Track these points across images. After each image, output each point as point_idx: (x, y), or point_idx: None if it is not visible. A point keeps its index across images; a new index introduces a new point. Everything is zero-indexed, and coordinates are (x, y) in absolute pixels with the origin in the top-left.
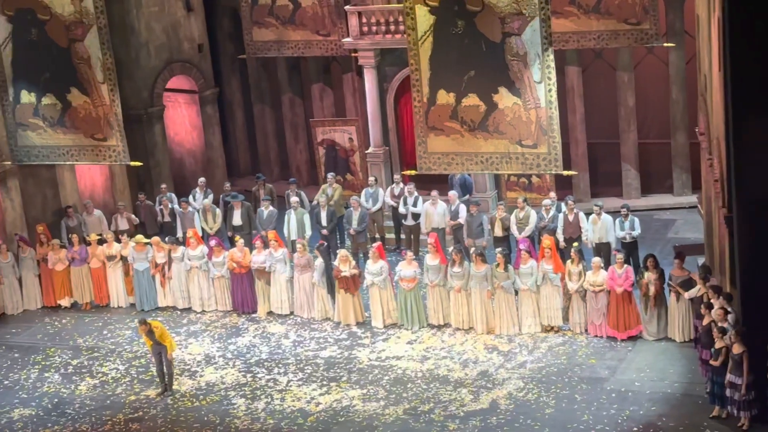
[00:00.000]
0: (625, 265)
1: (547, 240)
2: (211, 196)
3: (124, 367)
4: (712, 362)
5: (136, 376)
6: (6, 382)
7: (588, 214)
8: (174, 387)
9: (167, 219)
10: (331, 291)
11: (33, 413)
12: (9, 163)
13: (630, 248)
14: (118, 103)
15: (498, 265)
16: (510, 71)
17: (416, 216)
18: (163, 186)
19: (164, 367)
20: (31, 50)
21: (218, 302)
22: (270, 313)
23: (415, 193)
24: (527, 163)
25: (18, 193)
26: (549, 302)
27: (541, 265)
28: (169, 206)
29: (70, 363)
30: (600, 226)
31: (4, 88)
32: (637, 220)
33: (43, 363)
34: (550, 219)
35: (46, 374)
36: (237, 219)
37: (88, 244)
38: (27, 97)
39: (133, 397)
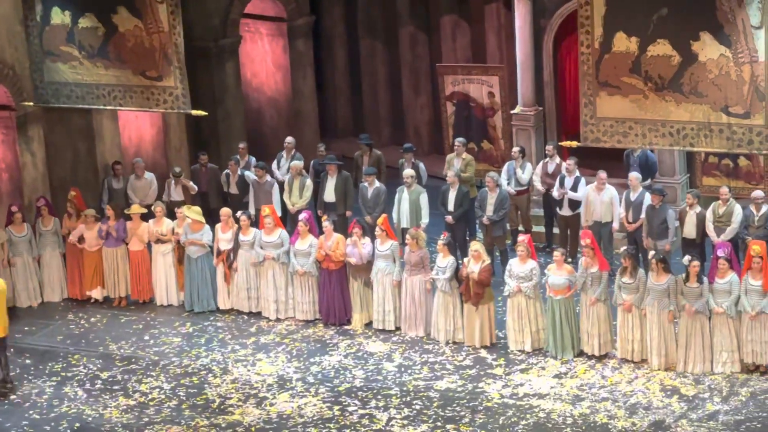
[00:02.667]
0: None
1: (756, 246)
2: (299, 162)
3: (169, 386)
4: None
5: (185, 399)
6: (13, 397)
7: None
8: (235, 417)
9: (233, 190)
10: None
11: None
12: (31, 104)
13: None
14: (179, 31)
15: (687, 277)
16: (718, 11)
17: (576, 204)
18: (242, 145)
19: None
20: None
21: (299, 307)
22: (368, 325)
23: (576, 173)
24: (735, 139)
25: (42, 145)
26: (755, 332)
27: (745, 280)
28: (239, 172)
29: (99, 376)
30: None
31: (29, 3)
32: None
33: (63, 374)
34: (762, 218)
35: (66, 389)
36: (329, 192)
37: (129, 218)
38: (59, 16)
39: (179, 428)
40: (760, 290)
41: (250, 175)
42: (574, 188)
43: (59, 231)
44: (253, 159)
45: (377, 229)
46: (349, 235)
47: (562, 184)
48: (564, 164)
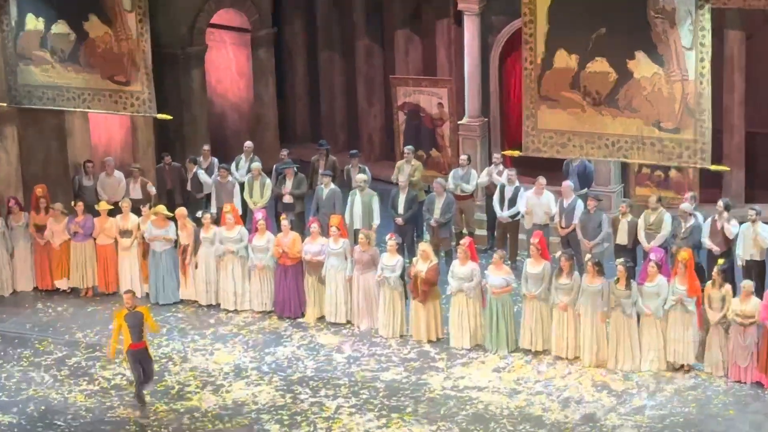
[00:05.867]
0: None
1: (684, 252)
2: (258, 164)
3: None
4: None
5: None
6: None
7: (741, 223)
8: (193, 403)
9: (189, 187)
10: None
11: (14, 421)
12: (4, 104)
13: None
14: (147, 38)
15: (618, 279)
16: (652, 32)
17: (515, 212)
18: (206, 147)
19: (146, 368)
20: None
21: (256, 300)
22: (321, 319)
23: (517, 183)
24: (665, 152)
25: (15, 143)
26: (680, 333)
27: (672, 284)
28: (194, 170)
29: (65, 362)
30: (755, 239)
31: (5, 9)
32: None
33: (31, 359)
34: (689, 229)
35: (34, 374)
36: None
37: (97, 214)
38: (33, 22)
39: (139, 413)
40: (685, 294)
41: (202, 174)
42: (514, 197)
43: (29, 225)
44: (216, 160)
45: (332, 228)
46: (307, 232)
47: (501, 194)
48: (506, 173)
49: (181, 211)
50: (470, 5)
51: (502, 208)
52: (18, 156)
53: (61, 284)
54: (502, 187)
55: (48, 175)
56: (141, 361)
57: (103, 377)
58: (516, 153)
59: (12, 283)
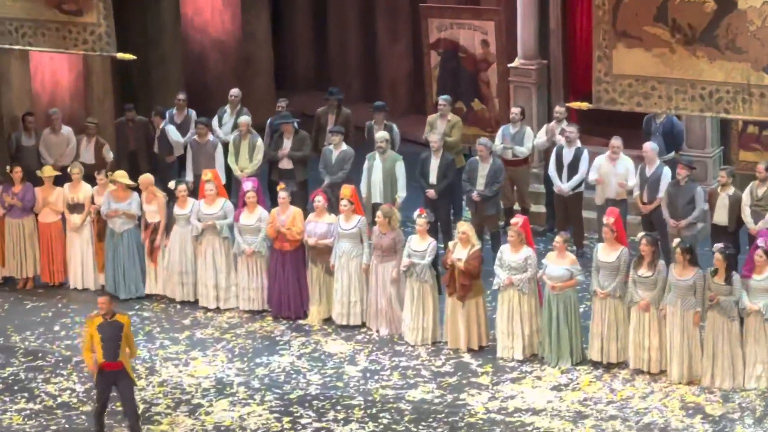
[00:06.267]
0: None
1: None
2: (247, 117)
3: (83, 387)
4: None
5: None
6: None
7: None
8: (163, 427)
9: (155, 148)
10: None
11: None
12: None
13: None
14: None
15: (716, 271)
16: None
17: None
18: (181, 97)
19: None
20: None
21: (244, 295)
22: (328, 320)
23: (578, 143)
24: None
25: None
26: None
27: None
28: (163, 126)
29: None
30: None
31: None
32: None
33: None
34: None
35: None
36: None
37: (39, 182)
38: None
39: None
40: None
41: (173, 131)
42: (575, 162)
43: None
44: (193, 113)
45: (343, 202)
46: (310, 207)
47: (558, 158)
48: (566, 131)
49: (148, 178)
50: None
51: (561, 178)
52: None
53: None
54: (560, 149)
55: None
56: (117, 385)
57: (47, 393)
58: (584, 105)
59: None
